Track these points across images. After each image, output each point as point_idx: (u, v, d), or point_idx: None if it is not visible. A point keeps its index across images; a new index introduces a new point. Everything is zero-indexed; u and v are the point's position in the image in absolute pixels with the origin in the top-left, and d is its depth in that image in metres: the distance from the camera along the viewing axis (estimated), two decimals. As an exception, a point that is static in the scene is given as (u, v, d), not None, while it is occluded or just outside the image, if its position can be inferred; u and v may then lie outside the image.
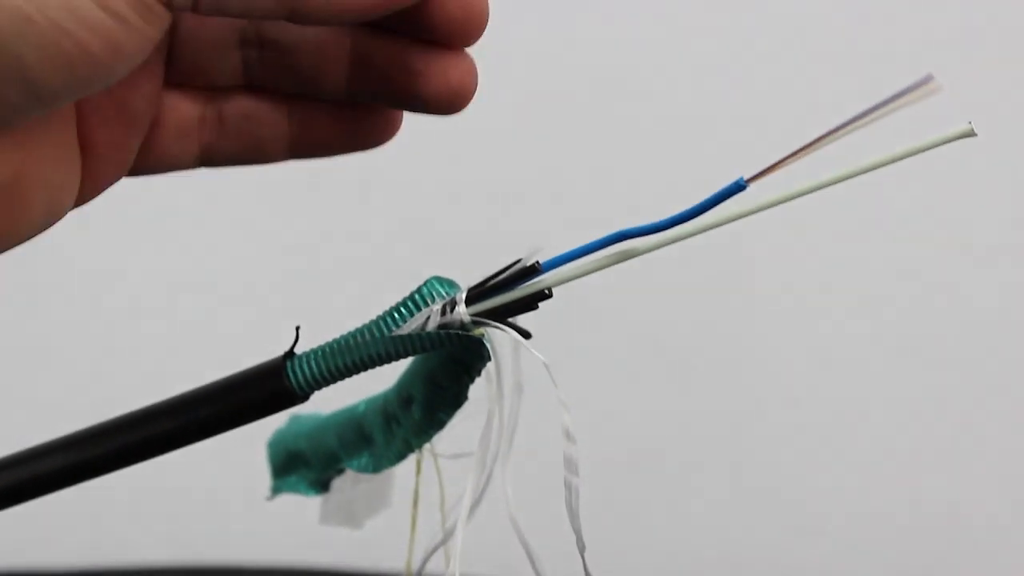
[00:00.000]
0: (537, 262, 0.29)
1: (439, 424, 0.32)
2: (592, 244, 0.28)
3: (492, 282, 0.30)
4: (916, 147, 0.28)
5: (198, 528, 0.74)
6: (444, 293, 0.31)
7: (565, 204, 0.72)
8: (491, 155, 0.72)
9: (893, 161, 0.28)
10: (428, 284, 0.31)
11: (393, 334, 0.30)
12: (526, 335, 0.30)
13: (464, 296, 0.30)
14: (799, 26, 0.72)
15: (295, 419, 0.40)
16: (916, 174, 0.73)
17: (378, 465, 0.35)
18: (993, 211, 0.72)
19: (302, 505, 0.39)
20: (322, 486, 0.38)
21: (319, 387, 0.32)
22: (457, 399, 0.31)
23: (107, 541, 0.74)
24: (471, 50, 0.31)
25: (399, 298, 0.31)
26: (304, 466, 0.38)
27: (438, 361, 0.31)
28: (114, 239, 0.72)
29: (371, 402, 0.36)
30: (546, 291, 0.29)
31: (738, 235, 0.73)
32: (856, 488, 0.74)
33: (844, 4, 0.72)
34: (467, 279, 0.31)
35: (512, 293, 0.29)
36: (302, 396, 0.32)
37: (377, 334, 0.31)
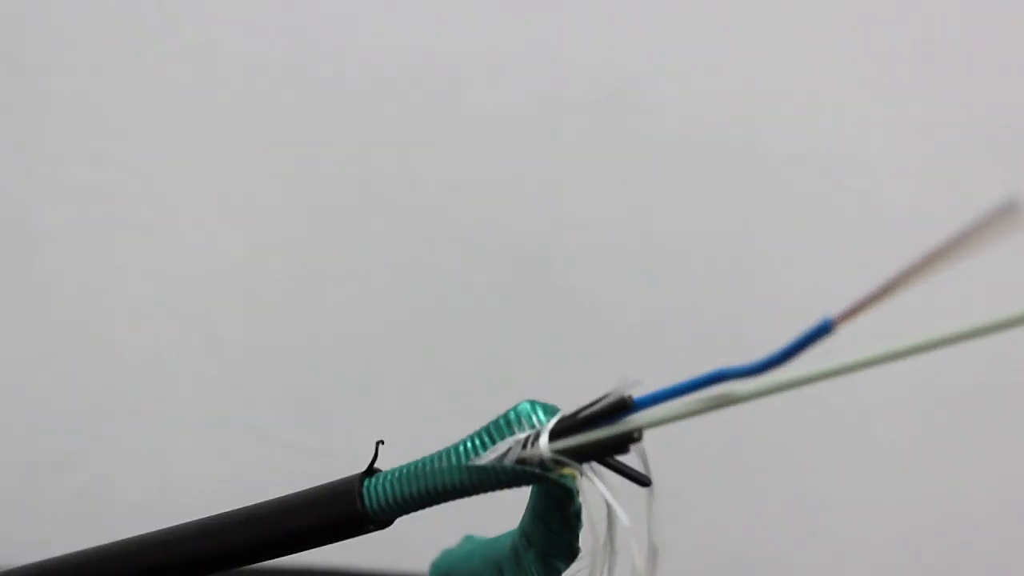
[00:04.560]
0: (629, 397, 0.26)
1: (554, 573, 0.28)
2: (688, 384, 0.25)
3: (582, 415, 0.26)
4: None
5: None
6: (535, 421, 0.27)
7: (565, 204, 0.72)
8: (492, 155, 0.72)
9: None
10: (518, 408, 0.27)
11: (470, 463, 0.27)
12: (642, 482, 0.26)
13: (550, 428, 0.26)
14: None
15: (467, 539, 0.36)
16: (915, 174, 0.73)
17: None
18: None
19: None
20: None
21: (396, 514, 0.29)
22: (569, 547, 0.28)
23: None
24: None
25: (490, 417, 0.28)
26: None
27: (541, 500, 0.28)
28: (114, 239, 0.72)
29: (512, 534, 0.31)
30: (635, 434, 0.26)
31: (737, 234, 0.73)
32: (857, 488, 0.74)
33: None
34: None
35: (597, 431, 0.26)
36: (379, 522, 0.29)
37: (455, 461, 0.27)
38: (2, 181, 0.71)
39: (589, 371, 0.72)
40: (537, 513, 0.28)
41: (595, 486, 0.26)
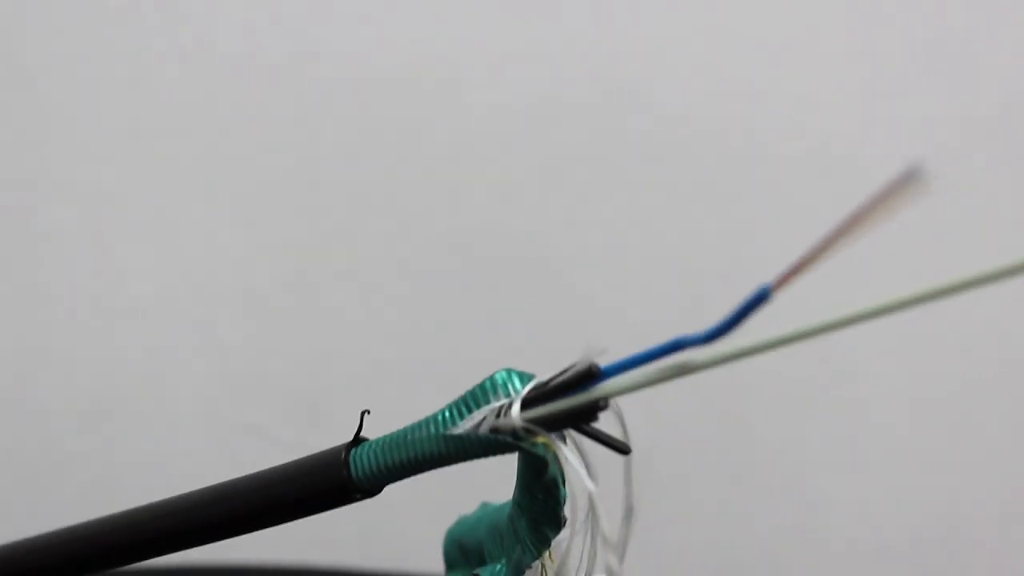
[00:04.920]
0: (596, 365, 0.25)
1: (544, 540, 0.28)
2: (650, 352, 0.25)
3: (552, 384, 0.26)
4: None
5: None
6: (510, 390, 0.27)
7: (565, 204, 0.72)
8: (491, 155, 0.72)
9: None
10: (494, 377, 0.27)
11: (446, 433, 0.27)
12: (621, 450, 0.27)
13: (523, 397, 0.26)
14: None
15: (482, 506, 0.35)
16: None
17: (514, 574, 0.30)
18: (993, 209, 0.72)
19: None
20: None
21: (382, 482, 0.29)
22: (555, 514, 0.28)
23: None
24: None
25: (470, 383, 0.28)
26: (464, 563, 0.34)
27: (525, 469, 0.28)
28: (114, 239, 0.72)
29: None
30: (601, 402, 0.25)
31: (737, 234, 0.73)
32: (857, 488, 0.74)
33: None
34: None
35: (567, 400, 0.26)
36: (366, 491, 0.29)
37: (433, 430, 0.28)
38: (2, 181, 0.71)
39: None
40: (523, 482, 0.28)
41: (564, 454, 0.26)
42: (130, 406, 0.72)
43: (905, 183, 0.21)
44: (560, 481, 0.27)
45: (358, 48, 0.72)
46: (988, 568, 0.74)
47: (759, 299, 0.24)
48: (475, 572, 0.32)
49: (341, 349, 0.72)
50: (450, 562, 0.35)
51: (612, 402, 0.26)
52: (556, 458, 0.27)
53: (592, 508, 0.27)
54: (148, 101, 0.72)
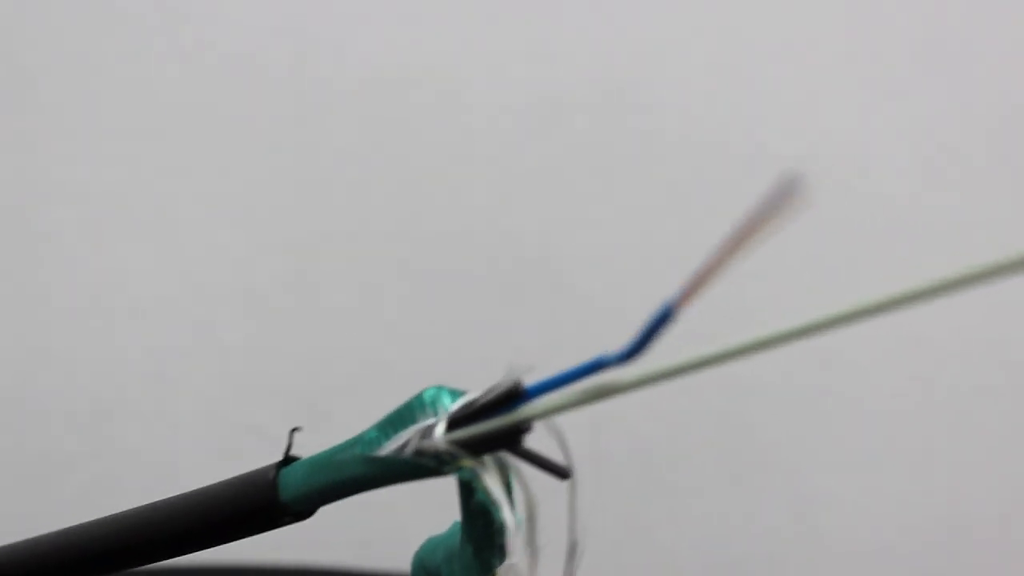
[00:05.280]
0: (520, 385, 0.23)
1: (486, 568, 0.26)
2: (574, 371, 0.23)
3: (478, 404, 0.24)
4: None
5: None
6: (439, 409, 0.25)
7: (565, 203, 0.72)
8: (491, 155, 0.72)
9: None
10: (422, 395, 0.25)
11: (371, 454, 0.25)
12: (562, 474, 0.24)
13: (448, 417, 0.24)
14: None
15: (454, 525, 0.34)
16: (915, 174, 0.73)
17: None
18: (994, 209, 0.72)
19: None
20: None
21: (314, 504, 0.27)
22: (492, 542, 0.26)
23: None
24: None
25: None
26: None
27: (462, 494, 0.26)
28: (114, 239, 0.72)
29: None
30: (523, 425, 0.24)
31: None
32: (857, 488, 0.74)
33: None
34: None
35: (489, 422, 0.24)
36: (298, 513, 0.27)
37: (358, 451, 0.26)
38: (2, 181, 0.71)
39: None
40: (463, 507, 0.26)
41: (484, 483, 0.24)
42: (130, 406, 0.72)
43: (785, 194, 0.20)
44: (493, 508, 0.25)
45: (358, 48, 0.72)
46: (988, 568, 0.74)
47: (663, 317, 0.23)
48: None
49: (341, 349, 0.72)
50: None
51: (551, 422, 0.24)
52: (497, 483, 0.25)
53: (525, 540, 0.25)
54: (148, 101, 0.72)
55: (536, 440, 0.24)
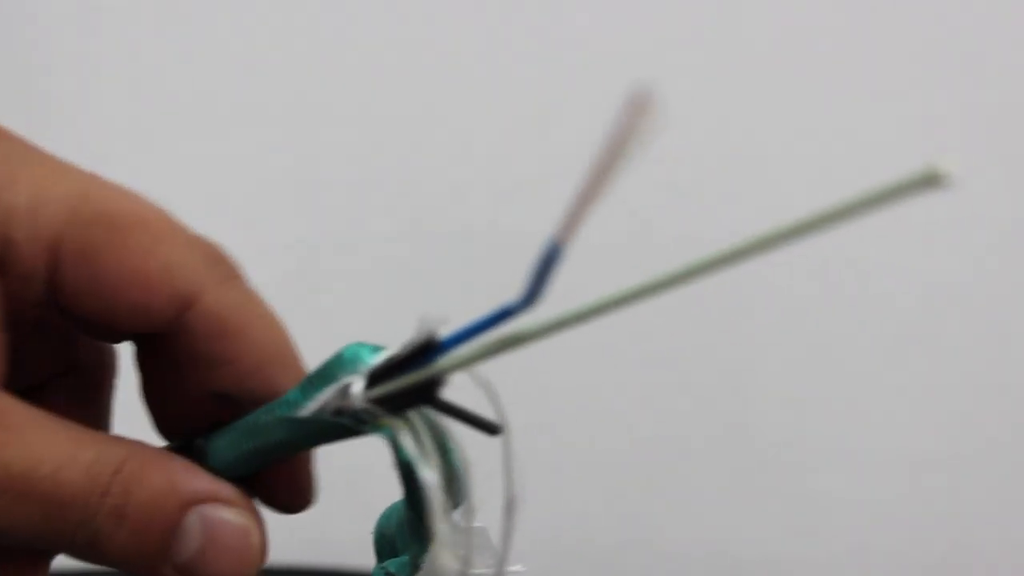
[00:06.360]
0: (434, 336, 0.23)
1: (425, 530, 0.25)
2: (483, 321, 0.23)
3: (395, 359, 0.23)
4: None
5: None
6: (359, 366, 0.24)
7: (565, 204, 0.72)
8: (492, 155, 0.72)
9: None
10: (342, 353, 0.24)
11: (290, 416, 0.24)
12: (491, 430, 0.23)
13: (367, 373, 0.23)
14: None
15: None
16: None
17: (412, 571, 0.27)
18: (995, 209, 0.72)
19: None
20: None
21: (240, 472, 0.26)
22: (421, 501, 0.24)
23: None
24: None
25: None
26: (390, 555, 0.30)
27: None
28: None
29: None
30: (438, 378, 0.23)
31: (737, 234, 0.73)
32: (857, 488, 0.74)
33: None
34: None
35: (404, 377, 0.23)
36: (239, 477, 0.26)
37: (277, 413, 0.25)
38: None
39: (589, 369, 0.72)
40: (396, 467, 0.25)
41: (400, 440, 0.23)
42: (131, 406, 0.72)
43: (640, 111, 0.19)
44: (414, 466, 0.24)
45: (358, 48, 0.72)
46: (988, 568, 0.74)
47: (551, 257, 0.22)
48: (383, 565, 0.29)
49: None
50: (380, 554, 0.31)
51: (476, 374, 0.23)
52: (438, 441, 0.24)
53: (456, 498, 0.24)
54: (148, 101, 0.72)
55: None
